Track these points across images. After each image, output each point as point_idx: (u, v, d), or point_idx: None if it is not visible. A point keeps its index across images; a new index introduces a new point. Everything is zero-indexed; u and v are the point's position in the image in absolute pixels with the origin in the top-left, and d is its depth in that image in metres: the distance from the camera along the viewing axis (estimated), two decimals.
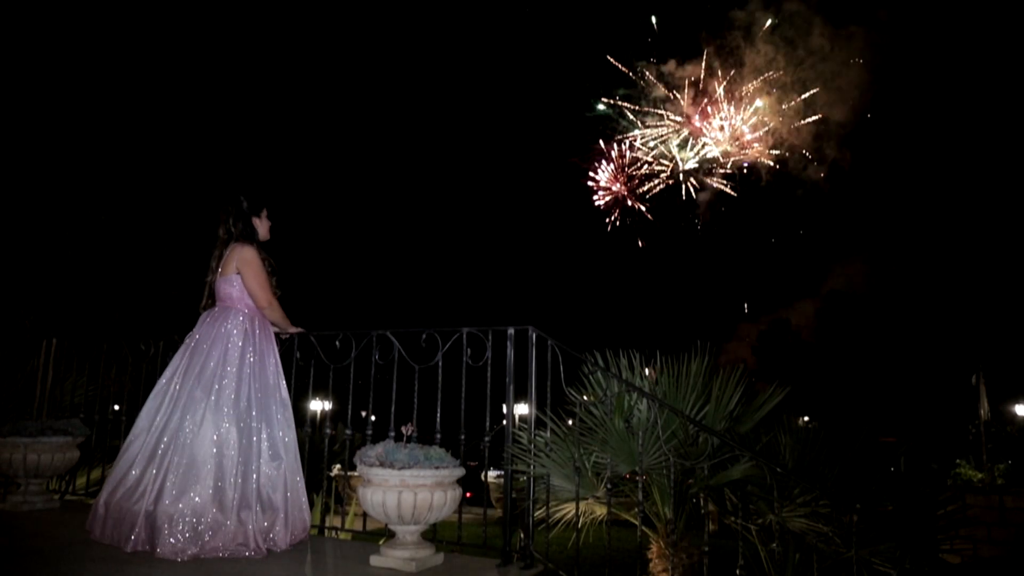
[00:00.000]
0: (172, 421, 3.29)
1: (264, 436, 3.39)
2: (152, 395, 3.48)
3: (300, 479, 3.49)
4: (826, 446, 4.13)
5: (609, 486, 3.60)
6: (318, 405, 13.41)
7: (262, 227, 3.81)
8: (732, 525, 3.66)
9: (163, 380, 3.50)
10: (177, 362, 3.52)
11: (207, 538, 3.09)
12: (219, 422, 3.28)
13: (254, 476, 3.28)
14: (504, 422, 3.66)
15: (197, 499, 3.12)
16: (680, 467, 3.58)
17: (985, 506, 8.40)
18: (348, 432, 4.18)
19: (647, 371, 4.09)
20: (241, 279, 3.60)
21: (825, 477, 3.91)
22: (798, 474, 3.69)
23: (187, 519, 3.07)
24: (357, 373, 4.02)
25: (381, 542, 3.57)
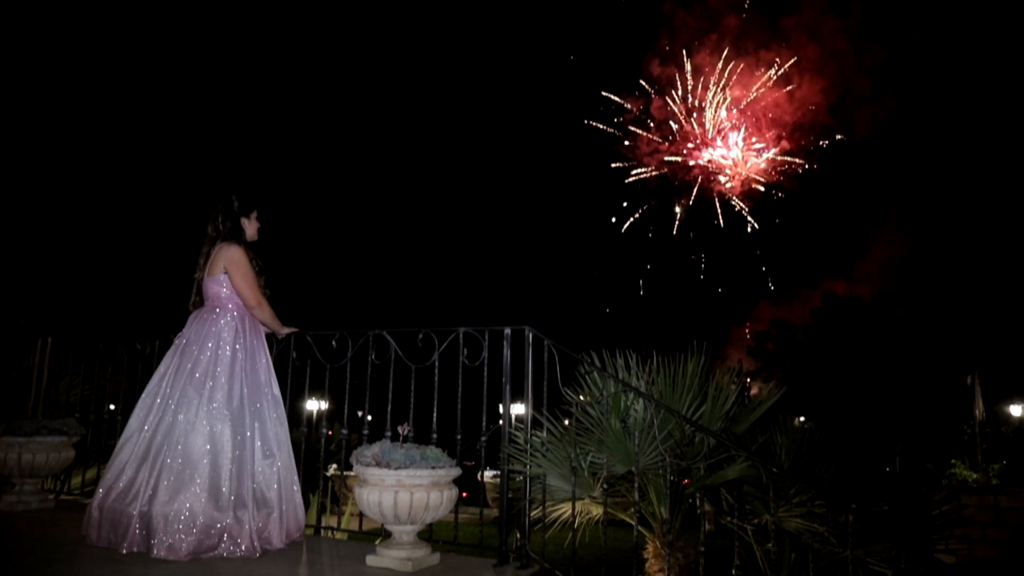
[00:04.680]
0: (164, 421, 3.28)
1: (257, 434, 3.39)
2: (143, 396, 3.47)
3: (295, 477, 3.49)
4: (822, 446, 4.14)
5: (605, 486, 3.61)
6: (314, 405, 13.39)
7: (250, 227, 3.80)
8: (728, 525, 3.66)
9: (154, 381, 3.49)
10: (168, 362, 3.51)
11: (203, 538, 3.08)
12: (212, 421, 3.27)
13: (248, 474, 3.28)
14: (500, 422, 3.66)
15: (192, 499, 3.11)
16: (676, 467, 3.58)
17: (980, 506, 8.42)
18: (344, 432, 4.18)
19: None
20: (229, 279, 3.60)
21: (821, 477, 3.92)
22: (794, 474, 3.69)
23: (182, 519, 3.07)
24: (354, 373, 4.01)
25: (377, 542, 3.56)
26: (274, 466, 3.39)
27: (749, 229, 35.14)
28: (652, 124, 35.64)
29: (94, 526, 3.24)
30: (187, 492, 3.12)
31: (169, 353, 3.56)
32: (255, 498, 3.27)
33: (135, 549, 3.06)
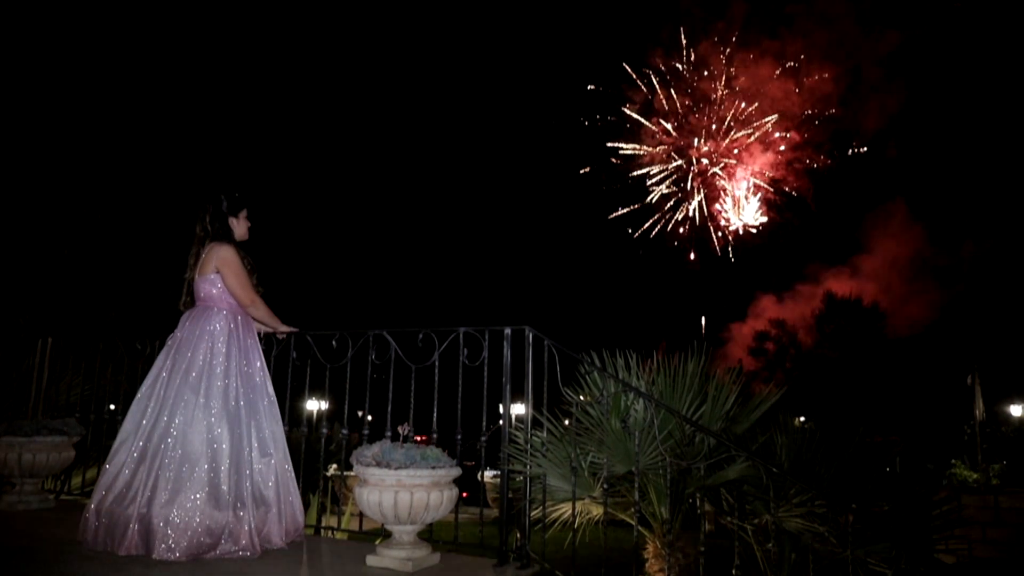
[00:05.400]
0: (161, 422, 3.27)
1: (254, 433, 3.39)
2: (137, 398, 3.45)
3: (291, 475, 3.49)
4: (822, 446, 4.14)
5: (605, 486, 3.61)
6: (314, 405, 13.39)
7: (240, 227, 3.77)
8: (728, 525, 3.66)
9: (148, 382, 3.47)
10: (161, 363, 3.49)
11: (203, 538, 3.08)
12: (210, 421, 3.27)
13: (247, 474, 3.28)
14: (500, 422, 3.66)
15: (192, 499, 3.11)
16: (676, 467, 3.58)
17: (980, 506, 8.42)
18: (344, 432, 4.18)
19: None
20: (221, 278, 3.59)
21: (821, 477, 3.92)
22: (794, 474, 3.69)
23: (183, 519, 3.07)
24: (354, 373, 4.01)
25: (377, 542, 3.56)
26: (271, 465, 3.39)
27: (754, 230, 35.05)
28: (656, 117, 35.42)
29: (91, 530, 3.21)
30: (187, 493, 3.11)
31: (162, 354, 3.54)
32: (254, 497, 3.27)
33: (134, 551, 3.05)
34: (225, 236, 3.69)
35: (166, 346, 3.56)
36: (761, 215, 34.57)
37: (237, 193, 3.77)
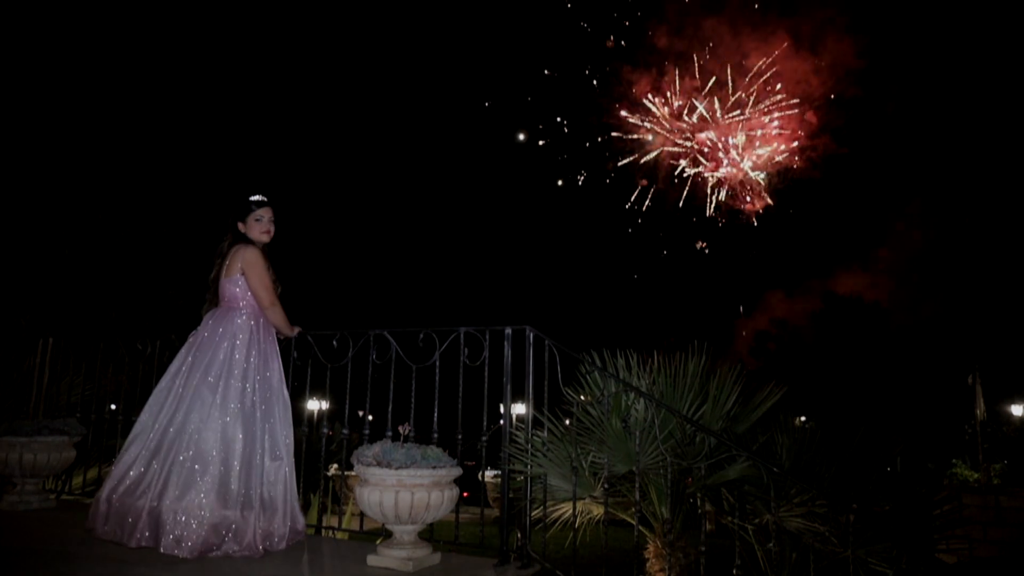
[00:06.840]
0: (177, 418, 3.30)
1: (267, 436, 3.42)
2: (155, 392, 3.49)
3: (295, 479, 3.52)
4: (823, 446, 4.14)
5: (606, 486, 3.61)
6: (315, 405, 13.39)
7: (253, 230, 3.77)
8: (729, 525, 3.66)
9: (167, 377, 3.51)
10: (181, 360, 3.53)
11: (210, 535, 3.10)
12: (225, 420, 3.30)
13: (257, 475, 3.31)
14: (501, 422, 3.66)
15: (201, 496, 3.13)
16: (677, 467, 3.58)
17: (981, 506, 8.43)
18: (345, 432, 4.18)
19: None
20: (245, 280, 3.63)
21: (822, 477, 3.92)
22: (795, 474, 3.69)
23: (191, 515, 3.09)
24: (354, 373, 4.02)
25: (378, 542, 3.57)
26: (281, 468, 3.42)
27: (755, 223, 34.77)
28: (661, 102, 34.97)
29: (101, 518, 3.26)
30: (196, 489, 3.14)
31: (182, 351, 3.58)
32: (262, 499, 3.30)
33: (143, 544, 3.08)
34: (243, 239, 3.74)
35: (187, 343, 3.60)
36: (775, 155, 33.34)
37: (248, 197, 3.80)
